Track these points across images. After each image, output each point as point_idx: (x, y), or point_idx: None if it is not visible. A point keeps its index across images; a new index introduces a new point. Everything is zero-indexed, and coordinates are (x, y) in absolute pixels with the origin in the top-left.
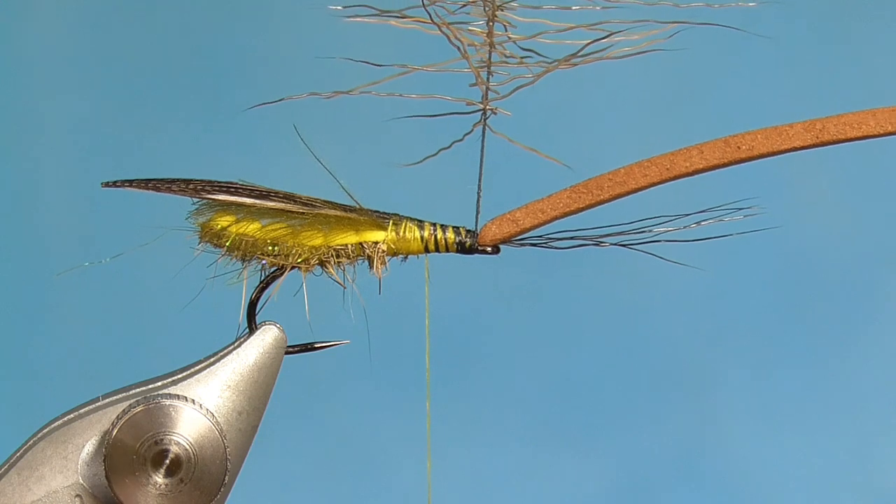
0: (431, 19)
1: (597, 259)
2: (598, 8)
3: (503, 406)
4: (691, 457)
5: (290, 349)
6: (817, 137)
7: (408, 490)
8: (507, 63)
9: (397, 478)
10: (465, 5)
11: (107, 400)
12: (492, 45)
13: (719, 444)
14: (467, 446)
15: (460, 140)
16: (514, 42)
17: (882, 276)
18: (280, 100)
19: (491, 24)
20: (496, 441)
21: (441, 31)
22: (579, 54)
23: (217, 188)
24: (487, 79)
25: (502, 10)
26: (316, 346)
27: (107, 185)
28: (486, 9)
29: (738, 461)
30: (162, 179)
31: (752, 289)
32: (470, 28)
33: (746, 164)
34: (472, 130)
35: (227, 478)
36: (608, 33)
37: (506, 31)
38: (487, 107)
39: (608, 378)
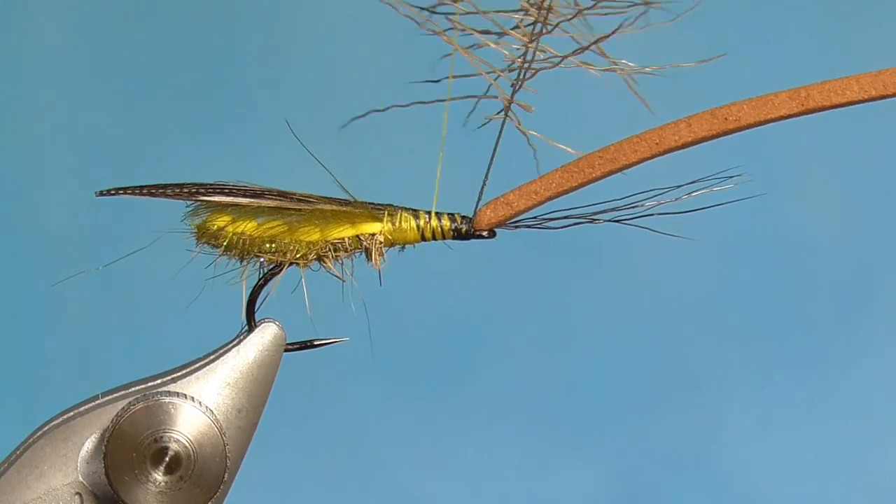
0: None
1: (597, 259)
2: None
3: (503, 406)
4: (691, 457)
5: (290, 346)
6: (802, 105)
7: (407, 488)
8: (540, 65)
9: (397, 475)
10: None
11: (106, 398)
12: (534, 39)
13: (719, 445)
14: (468, 446)
15: (480, 127)
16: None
17: (882, 275)
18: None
19: (537, 20)
20: (496, 440)
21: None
22: (611, 71)
23: (211, 190)
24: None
25: (552, 11)
26: (315, 343)
27: (101, 193)
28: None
29: (738, 461)
30: (155, 185)
31: (752, 289)
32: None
33: (738, 138)
34: (487, 121)
35: (226, 475)
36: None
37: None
38: (513, 99)
39: (608, 378)
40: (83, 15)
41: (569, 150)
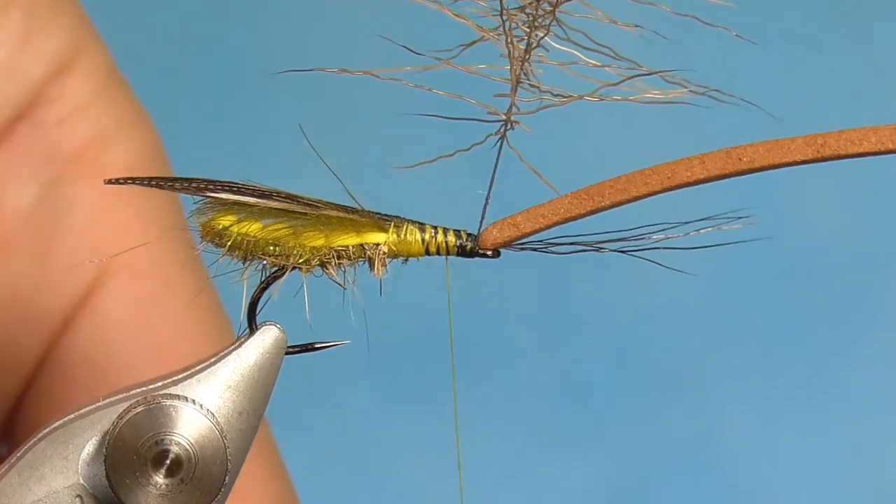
0: (502, 15)
1: (598, 261)
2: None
3: (503, 406)
4: (692, 454)
5: (291, 349)
6: (818, 152)
7: (405, 489)
8: (536, 85)
9: (396, 476)
10: (517, 14)
11: (107, 400)
12: (526, 61)
13: (719, 443)
14: (469, 445)
15: (467, 150)
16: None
17: (881, 277)
18: (310, 70)
19: (531, 41)
20: (497, 440)
21: (489, 33)
22: (608, 95)
23: (219, 187)
24: (514, 92)
25: (546, 31)
26: (316, 346)
27: (110, 182)
28: (530, 26)
29: (738, 459)
30: (164, 177)
31: (752, 289)
32: (510, 41)
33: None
34: (484, 140)
35: (227, 478)
36: (635, 75)
37: (541, 53)
38: (511, 119)
39: (609, 377)
40: (97, 13)
41: (552, 187)
